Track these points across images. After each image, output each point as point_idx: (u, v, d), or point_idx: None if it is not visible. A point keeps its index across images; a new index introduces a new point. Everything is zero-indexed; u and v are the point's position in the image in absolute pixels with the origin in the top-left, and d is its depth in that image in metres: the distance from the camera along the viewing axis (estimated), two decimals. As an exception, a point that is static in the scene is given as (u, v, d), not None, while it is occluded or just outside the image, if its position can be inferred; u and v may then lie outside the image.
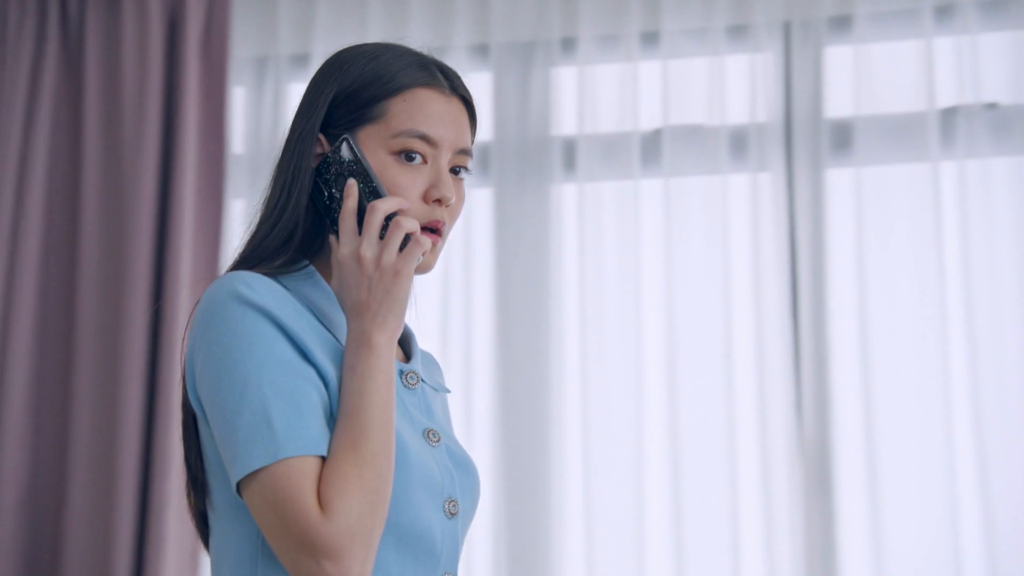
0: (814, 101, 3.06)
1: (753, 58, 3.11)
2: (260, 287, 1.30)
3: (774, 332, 3.01)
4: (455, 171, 1.44)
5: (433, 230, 1.40)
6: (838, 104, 3.06)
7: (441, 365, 1.66)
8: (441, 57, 1.55)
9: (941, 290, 2.91)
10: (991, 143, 2.94)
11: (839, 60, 3.07)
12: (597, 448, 3.03)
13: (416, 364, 1.48)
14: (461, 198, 1.45)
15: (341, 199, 1.36)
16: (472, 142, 1.47)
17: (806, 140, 3.05)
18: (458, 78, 1.47)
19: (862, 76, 3.03)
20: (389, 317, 1.31)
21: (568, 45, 3.23)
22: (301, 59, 3.26)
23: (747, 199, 3.07)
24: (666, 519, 2.98)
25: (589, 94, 3.18)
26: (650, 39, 3.19)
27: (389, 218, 1.34)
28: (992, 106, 2.96)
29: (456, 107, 1.43)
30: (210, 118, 3.22)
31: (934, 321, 2.90)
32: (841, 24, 3.09)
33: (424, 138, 1.39)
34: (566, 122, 3.20)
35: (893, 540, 2.88)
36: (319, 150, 1.42)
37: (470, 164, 1.46)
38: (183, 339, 1.40)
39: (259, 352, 1.26)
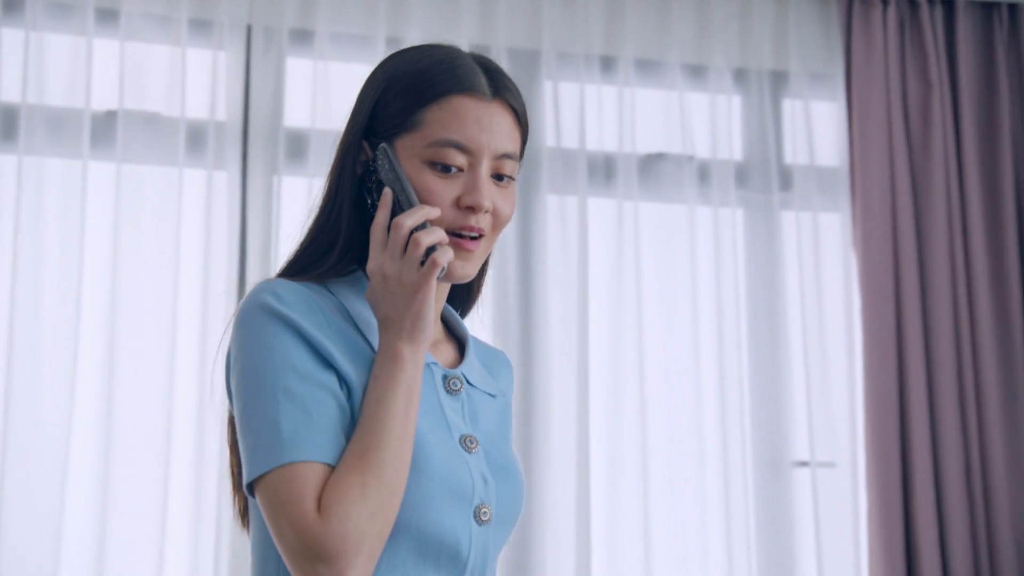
0: (273, 107, 2.98)
1: (216, 55, 2.95)
2: (288, 296, 1.26)
3: (218, 331, 2.86)
4: (500, 177, 1.33)
5: (472, 236, 1.31)
6: (297, 114, 3.00)
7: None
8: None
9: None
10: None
11: (300, 71, 3.03)
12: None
13: (467, 368, 1.39)
14: (508, 202, 1.34)
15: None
16: (522, 144, 1.36)
17: (263, 144, 2.95)
18: (504, 79, 1.35)
19: (319, 91, 3.01)
20: (414, 331, 1.26)
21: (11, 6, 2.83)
22: None
23: (202, 195, 2.90)
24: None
25: (35, 62, 2.81)
26: (107, 16, 2.90)
27: (421, 228, 1.27)
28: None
29: (497, 111, 1.33)
30: None
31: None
32: (303, 37, 3.04)
33: (458, 147, 1.30)
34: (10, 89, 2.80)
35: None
36: (364, 158, 1.34)
37: (514, 169, 1.34)
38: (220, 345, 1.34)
39: (277, 360, 1.23)
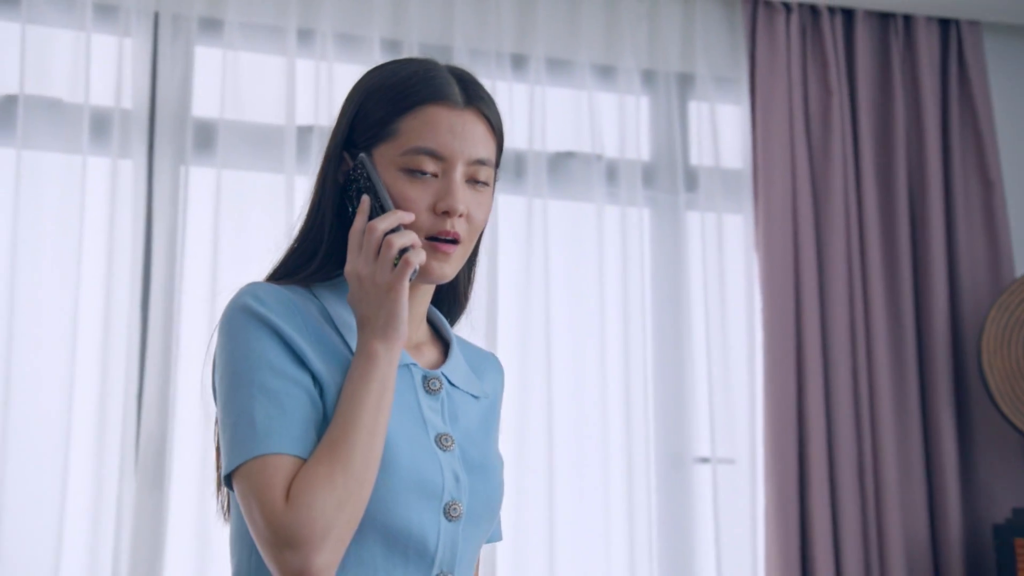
0: (181, 96, 2.89)
1: (121, 41, 2.85)
2: (268, 298, 1.31)
3: (121, 324, 2.78)
4: (475, 182, 1.37)
5: (448, 240, 1.35)
6: (205, 104, 2.92)
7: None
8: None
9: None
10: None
11: (208, 61, 2.94)
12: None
13: (449, 369, 1.42)
14: (483, 207, 1.38)
15: None
16: (498, 152, 1.40)
17: (170, 134, 2.87)
18: (477, 89, 1.40)
19: (229, 81, 2.93)
20: (388, 328, 1.30)
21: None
22: None
23: (106, 184, 2.80)
24: None
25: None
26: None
27: (395, 231, 1.31)
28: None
29: (469, 119, 1.37)
30: None
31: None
32: (212, 26, 2.96)
33: (431, 153, 1.35)
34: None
35: (218, 532, 2.79)
36: (345, 168, 1.38)
37: (488, 175, 1.38)
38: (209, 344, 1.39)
39: (254, 358, 1.28)
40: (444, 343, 1.49)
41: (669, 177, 3.27)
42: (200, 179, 2.88)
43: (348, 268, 1.32)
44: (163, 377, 2.78)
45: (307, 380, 1.29)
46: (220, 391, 1.30)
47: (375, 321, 1.30)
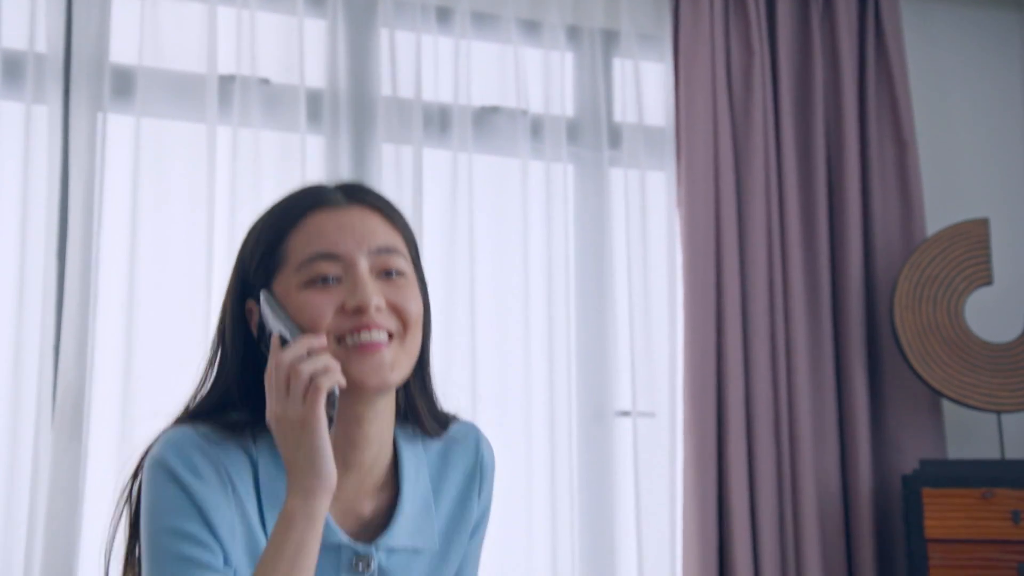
0: (98, 42, 2.75)
1: (35, -15, 2.71)
2: (193, 458, 1.21)
3: (37, 274, 2.65)
4: (388, 273, 1.25)
5: (372, 337, 1.21)
6: (123, 50, 2.78)
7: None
8: None
9: (209, 246, 2.79)
10: (262, 115, 2.90)
11: (127, 5, 2.80)
12: None
13: (391, 536, 1.28)
14: (408, 297, 1.24)
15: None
16: (401, 238, 1.28)
17: (87, 80, 2.73)
18: (356, 189, 1.29)
19: (148, 27, 2.79)
20: (306, 477, 1.16)
21: None
22: None
23: (20, 130, 2.66)
24: None
25: None
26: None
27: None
28: (265, 81, 2.92)
29: (356, 213, 1.25)
30: None
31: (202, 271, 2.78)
32: (130, -29, 2.82)
33: (326, 256, 1.23)
34: None
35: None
36: (256, 318, 1.27)
37: (403, 263, 1.26)
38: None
39: (166, 521, 1.20)
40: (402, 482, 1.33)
41: (593, 133, 3.20)
42: (118, 127, 2.75)
43: (267, 414, 1.19)
44: (80, 328, 2.66)
45: (218, 553, 1.19)
46: (143, 539, 1.22)
47: (295, 465, 1.16)
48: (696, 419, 3.11)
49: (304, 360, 1.17)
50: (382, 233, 1.25)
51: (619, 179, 3.22)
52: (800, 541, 3.10)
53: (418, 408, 1.34)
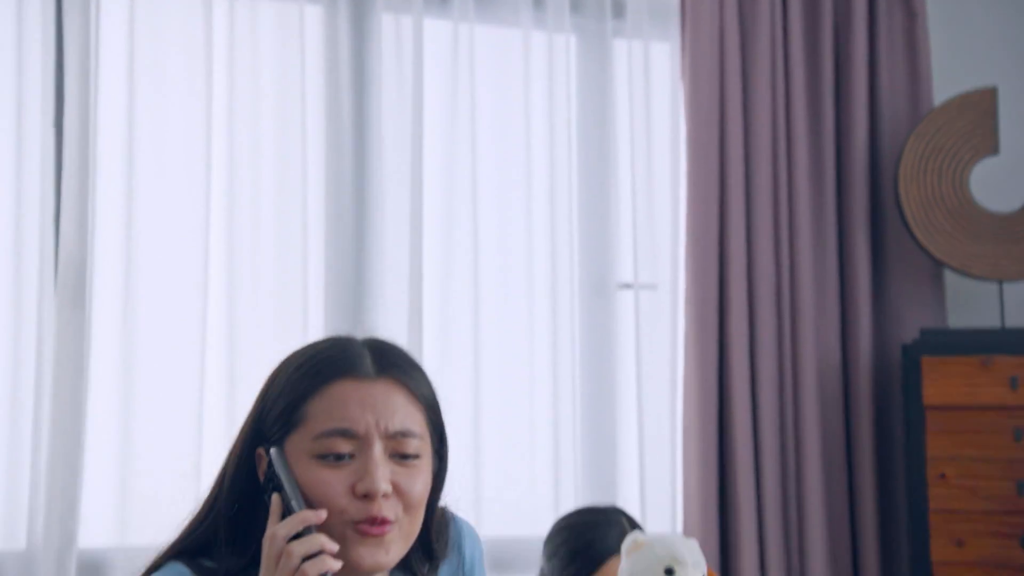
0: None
1: None
2: None
3: (34, 143, 2.64)
4: (402, 456, 1.24)
5: (381, 522, 1.22)
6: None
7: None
8: None
9: (208, 117, 2.77)
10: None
11: None
12: None
13: None
14: (417, 481, 1.24)
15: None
16: (422, 412, 1.27)
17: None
18: (390, 356, 1.27)
19: None
20: None
21: None
22: None
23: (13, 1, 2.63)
24: None
25: None
26: None
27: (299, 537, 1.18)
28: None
29: (381, 389, 1.24)
30: None
31: (201, 144, 2.76)
32: None
33: (344, 433, 1.22)
34: None
35: (143, 353, 2.71)
36: (264, 466, 1.25)
37: (420, 447, 1.25)
38: None
39: None
40: None
41: (596, 3, 3.14)
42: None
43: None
44: (80, 197, 2.65)
45: None
46: None
47: None
48: (698, 291, 3.10)
49: (299, 540, 1.17)
50: (402, 414, 1.25)
51: (623, 50, 3.16)
52: (799, 411, 3.10)
53: (411, 557, 1.33)
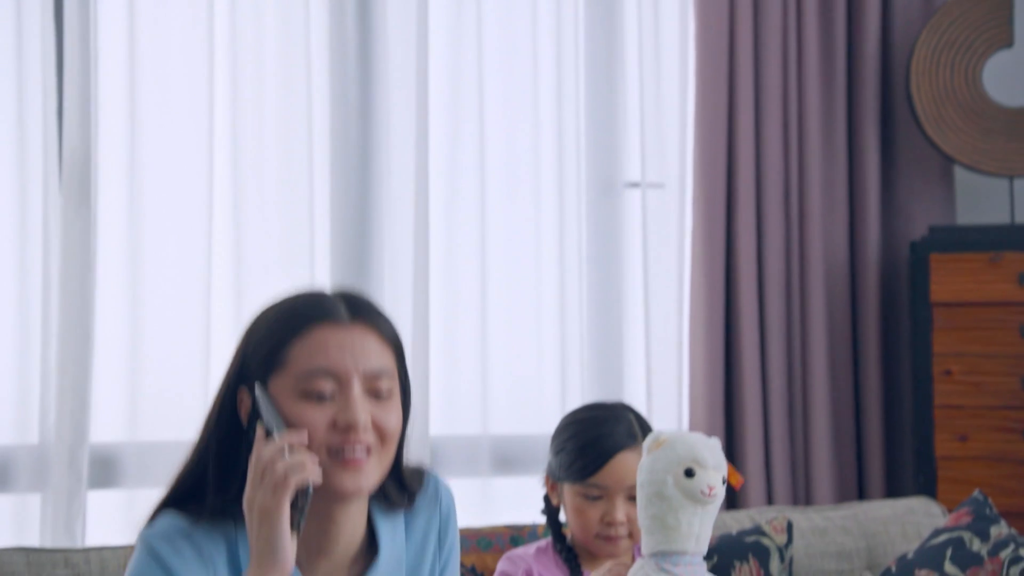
0: None
1: None
2: (183, 549, 1.34)
3: (33, 36, 2.59)
4: (376, 394, 1.37)
5: (356, 454, 1.35)
6: None
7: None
8: None
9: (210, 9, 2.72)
10: None
11: None
12: None
13: None
14: (391, 416, 1.38)
15: None
16: (392, 353, 1.41)
17: None
18: (362, 304, 1.41)
19: None
20: (263, 562, 1.27)
21: None
22: None
23: None
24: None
25: None
26: None
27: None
28: None
29: (358, 333, 1.37)
30: None
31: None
32: None
33: (325, 373, 1.35)
34: None
35: (150, 250, 2.70)
36: (246, 405, 1.39)
37: (391, 385, 1.39)
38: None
39: None
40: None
41: None
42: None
43: (244, 499, 1.31)
44: (83, 90, 2.60)
45: None
46: None
47: (256, 549, 1.28)
48: (705, 189, 3.07)
49: (281, 455, 1.28)
50: (376, 355, 1.38)
51: (630, -57, 3.09)
52: (806, 309, 3.09)
53: (387, 489, 1.45)
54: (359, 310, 1.39)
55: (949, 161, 3.12)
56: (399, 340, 1.43)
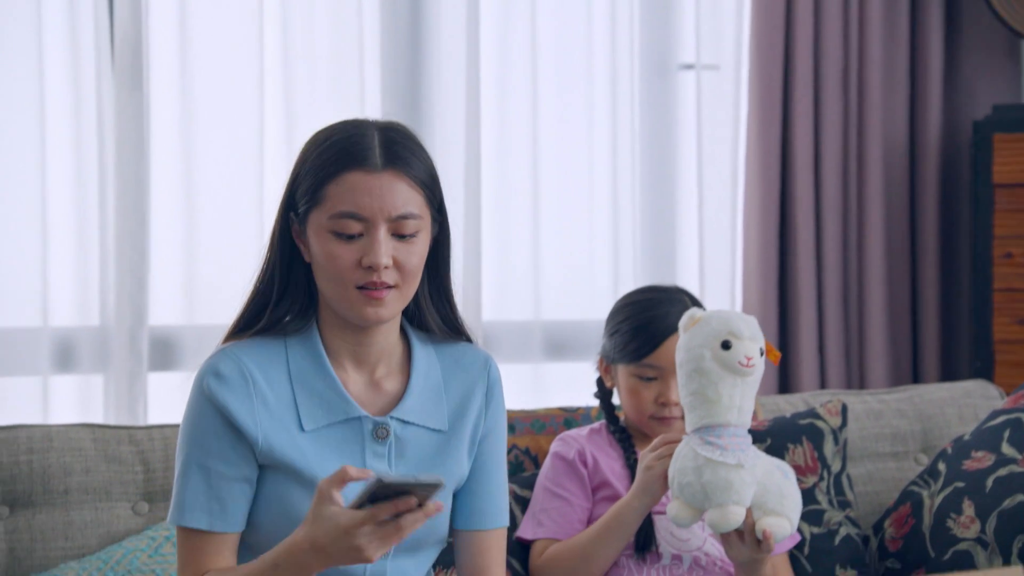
0: None
1: None
2: (231, 376, 1.47)
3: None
4: (402, 236, 1.47)
5: (377, 288, 1.46)
6: None
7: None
8: None
9: None
10: None
11: None
12: None
13: (403, 410, 1.51)
14: (413, 255, 1.47)
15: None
16: (426, 199, 1.48)
17: None
18: (397, 149, 1.47)
19: None
20: (313, 559, 1.36)
21: None
22: None
23: None
24: None
25: None
26: None
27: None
28: None
29: (387, 180, 1.46)
30: None
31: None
32: None
33: (353, 216, 1.45)
34: None
35: (203, 133, 2.67)
36: (297, 226, 1.50)
37: (417, 226, 1.47)
38: None
39: (198, 436, 1.47)
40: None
41: None
42: None
43: (305, 535, 1.35)
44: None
45: (244, 466, 1.46)
46: (177, 448, 1.49)
47: (322, 554, 1.34)
48: (762, 71, 2.99)
49: (366, 529, 1.32)
50: (403, 200, 1.46)
51: None
52: (863, 190, 3.03)
53: (425, 313, 1.55)
54: (392, 157, 1.47)
55: (1016, 36, 3.01)
56: (432, 178, 1.50)
